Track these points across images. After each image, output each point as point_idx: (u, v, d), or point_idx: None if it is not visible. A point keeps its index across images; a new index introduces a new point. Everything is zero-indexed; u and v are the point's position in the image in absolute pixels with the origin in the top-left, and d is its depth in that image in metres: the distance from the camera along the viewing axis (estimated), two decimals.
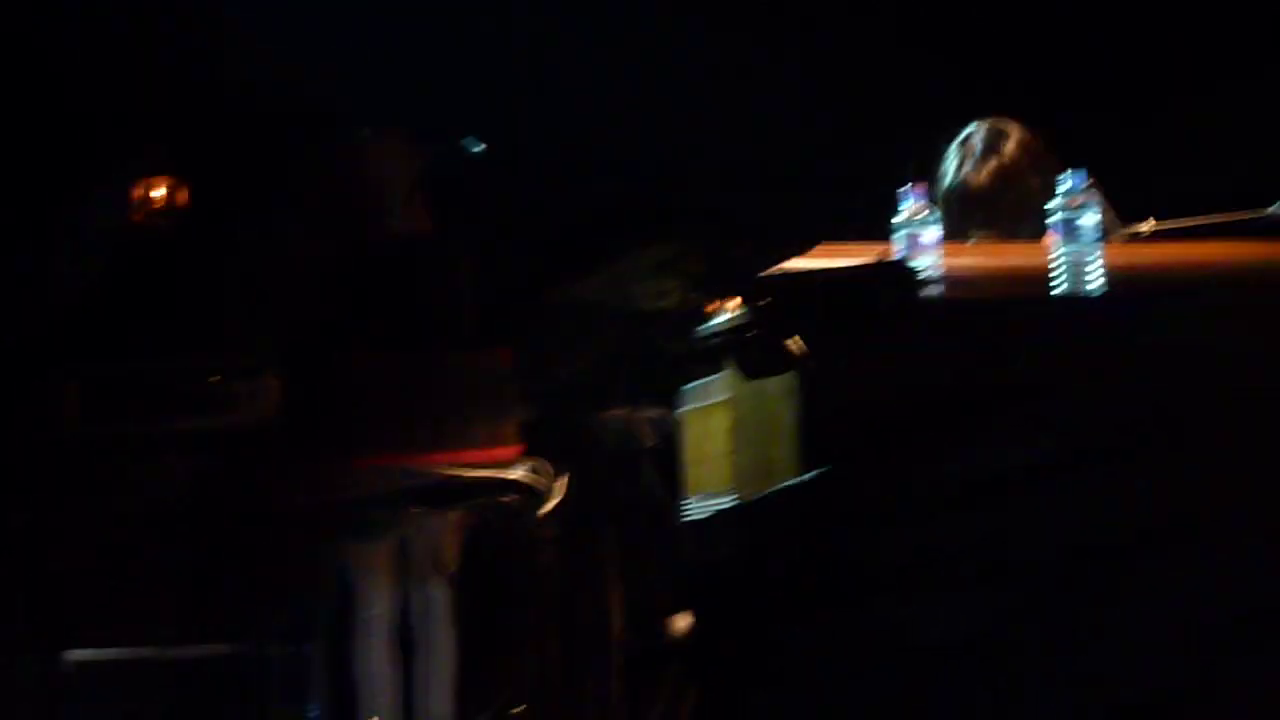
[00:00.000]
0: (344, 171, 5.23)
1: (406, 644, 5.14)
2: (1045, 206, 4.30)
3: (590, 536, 4.47)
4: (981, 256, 4.09)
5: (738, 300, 3.82)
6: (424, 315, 5.08)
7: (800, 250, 3.74)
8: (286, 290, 5.22)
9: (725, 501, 3.86)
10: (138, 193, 5.27)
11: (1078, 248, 3.58)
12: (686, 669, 4.23)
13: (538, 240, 4.76)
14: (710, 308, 3.96)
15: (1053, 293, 3.60)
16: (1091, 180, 3.66)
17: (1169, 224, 4.19)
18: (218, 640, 5.07)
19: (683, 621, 4.32)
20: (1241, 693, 3.45)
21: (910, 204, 3.68)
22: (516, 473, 4.63)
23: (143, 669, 4.98)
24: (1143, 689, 3.43)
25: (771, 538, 3.66)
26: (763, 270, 3.66)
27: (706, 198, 3.87)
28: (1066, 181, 3.64)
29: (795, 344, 3.51)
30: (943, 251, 3.67)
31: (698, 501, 4.06)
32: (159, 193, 5.28)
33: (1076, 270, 3.58)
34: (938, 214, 3.70)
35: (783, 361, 3.58)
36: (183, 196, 5.29)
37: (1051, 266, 3.60)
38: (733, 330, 3.79)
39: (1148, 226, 4.19)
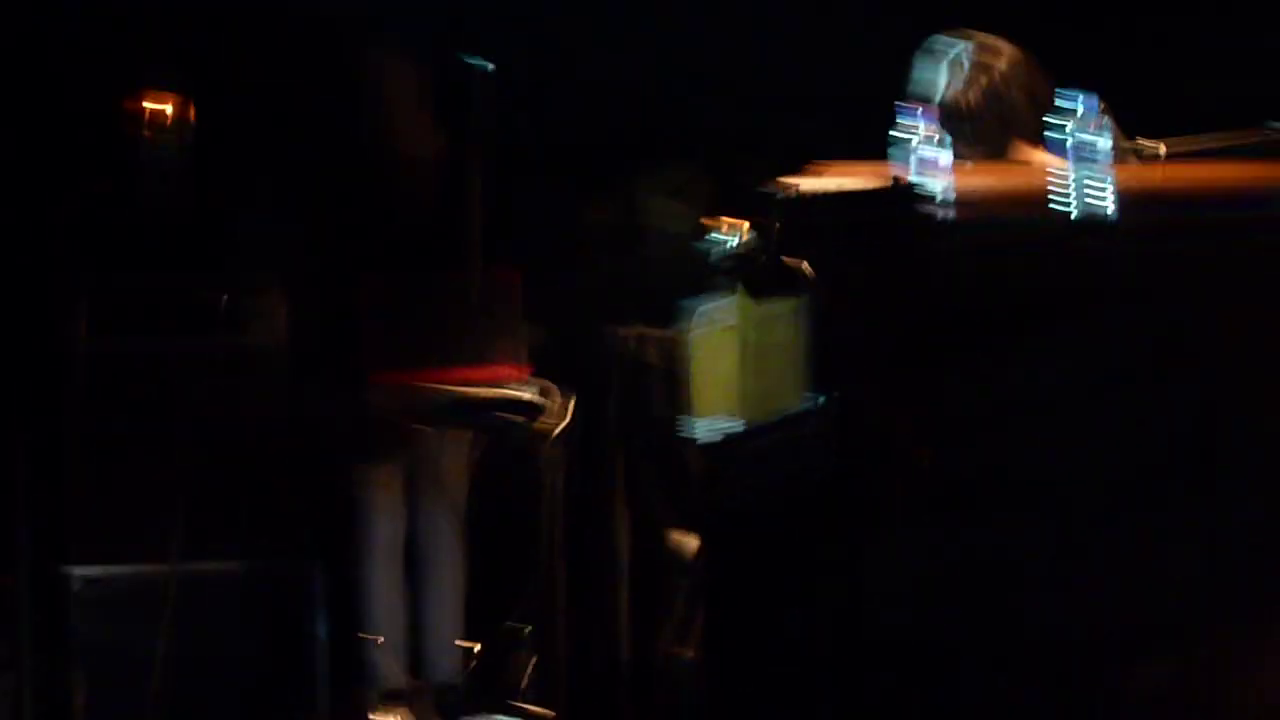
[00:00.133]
0: (353, 88, 5.21)
1: (414, 564, 5.16)
2: (1032, 123, 4.30)
3: (598, 457, 4.48)
4: (994, 178, 4.05)
5: (747, 222, 3.80)
6: (432, 234, 5.07)
7: (810, 171, 3.71)
8: (295, 208, 5.21)
9: (733, 425, 3.86)
10: (146, 110, 5.25)
11: (1091, 170, 3.56)
12: (694, 590, 4.24)
13: (547, 161, 4.74)
14: (719, 230, 3.94)
15: (1066, 215, 3.58)
16: (1103, 103, 3.63)
17: (1183, 144, 4.16)
18: (226, 558, 5.09)
19: (690, 543, 4.33)
20: (1257, 615, 3.45)
21: (922, 126, 3.65)
22: (525, 393, 4.63)
23: (151, 586, 5.01)
24: (1159, 613, 3.43)
25: (780, 462, 3.66)
26: (771, 192, 3.63)
27: (716, 119, 3.85)
28: (1079, 104, 3.60)
29: (804, 266, 3.49)
30: (954, 173, 3.65)
31: (705, 424, 4.05)
32: (169, 112, 5.26)
33: (1091, 193, 3.55)
34: (949, 136, 3.67)
35: (791, 284, 3.56)
36: (192, 116, 5.28)
37: (1065, 189, 3.58)
38: (741, 252, 3.77)
39: (1162, 149, 4.16)
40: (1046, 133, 3.66)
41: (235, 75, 5.38)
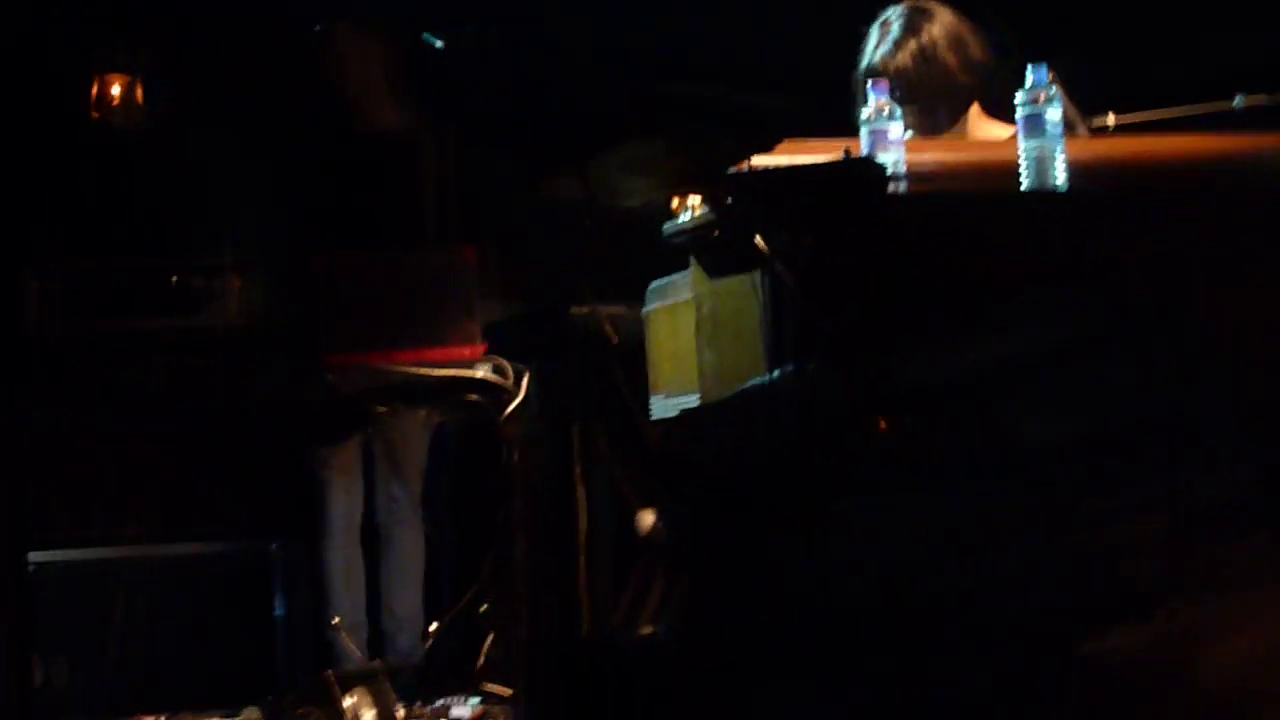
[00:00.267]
0: (317, 69, 5.20)
1: (372, 545, 5.17)
2: (968, 86, 4.31)
3: (555, 434, 4.48)
4: (947, 152, 4.08)
5: (703, 198, 3.81)
6: (390, 212, 5.06)
7: (765, 147, 3.72)
8: (252, 188, 5.19)
9: (691, 399, 3.87)
10: (102, 91, 5.23)
11: (1042, 142, 3.57)
12: (653, 565, 4.24)
13: (506, 138, 4.73)
14: (676, 206, 3.95)
15: (1019, 187, 3.60)
16: (1053, 74, 3.65)
17: (1131, 118, 4.19)
18: (186, 540, 5.09)
19: (648, 519, 4.34)
20: (1231, 581, 3.48)
21: (873, 100, 3.67)
22: (480, 371, 4.63)
23: (112, 569, 5.00)
24: (1129, 581, 3.45)
25: (739, 436, 3.67)
26: (728, 168, 3.64)
27: (674, 95, 3.84)
28: (1029, 76, 3.62)
29: (760, 242, 3.50)
30: (907, 147, 3.66)
31: (664, 399, 4.06)
32: (132, 93, 5.24)
33: (1042, 165, 3.57)
34: (900, 110, 3.68)
35: (747, 260, 3.57)
36: (155, 97, 5.26)
37: (1017, 161, 3.59)
38: (698, 228, 3.78)
39: (1111, 120, 4.19)
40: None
41: (196, 56, 5.36)
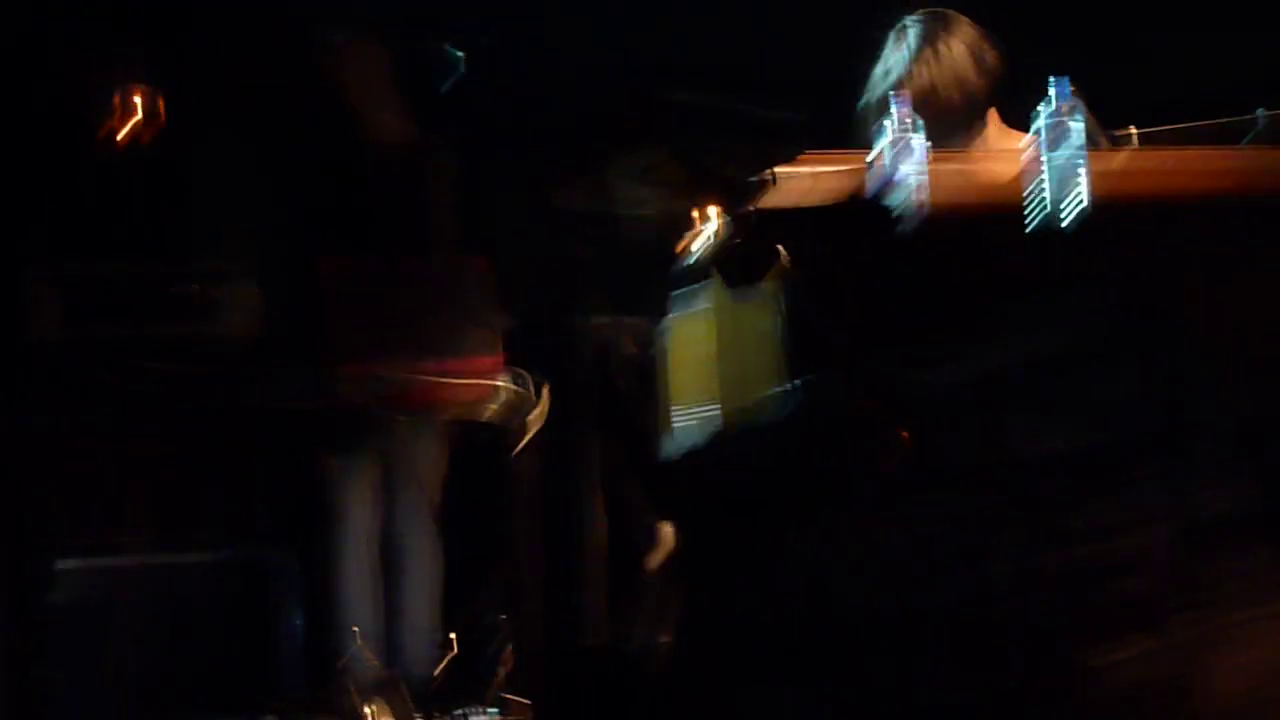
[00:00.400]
0: (321, 76, 5.19)
1: (388, 555, 5.15)
2: (988, 96, 4.31)
3: (573, 446, 4.47)
4: (967, 164, 4.07)
5: (720, 209, 3.80)
6: (403, 222, 5.06)
7: (784, 158, 3.72)
8: (265, 196, 5.19)
9: (710, 411, 3.86)
10: (112, 100, 5.23)
11: (1065, 156, 3.57)
12: (670, 577, 4.24)
13: (518, 147, 4.73)
14: (693, 215, 3.94)
15: (1039, 199, 3.59)
16: (1074, 88, 3.64)
17: (1153, 130, 4.19)
18: (200, 550, 5.08)
19: (666, 531, 4.33)
20: (1232, 595, 3.47)
21: (895, 112, 3.66)
22: (498, 382, 4.63)
23: (111, 577, 4.99)
24: (1131, 595, 3.45)
25: (757, 448, 3.66)
26: (749, 179, 3.64)
27: (688, 104, 3.84)
28: (1052, 90, 3.62)
29: (779, 252, 3.49)
30: (928, 159, 3.65)
31: (681, 411, 4.05)
32: (134, 100, 5.23)
33: (1065, 179, 3.56)
34: (922, 123, 3.67)
35: (766, 270, 3.57)
36: (157, 104, 5.25)
37: (1038, 174, 3.59)
38: (716, 239, 3.77)
39: (1133, 133, 4.18)
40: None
41: (200, 63, 5.35)
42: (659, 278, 4.18)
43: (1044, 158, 3.59)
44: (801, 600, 3.49)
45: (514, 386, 4.61)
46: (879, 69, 4.37)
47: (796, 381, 3.49)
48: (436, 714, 4.66)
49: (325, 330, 4.79)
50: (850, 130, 4.16)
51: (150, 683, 4.97)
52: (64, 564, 5.03)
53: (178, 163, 5.33)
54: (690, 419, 3.97)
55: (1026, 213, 3.63)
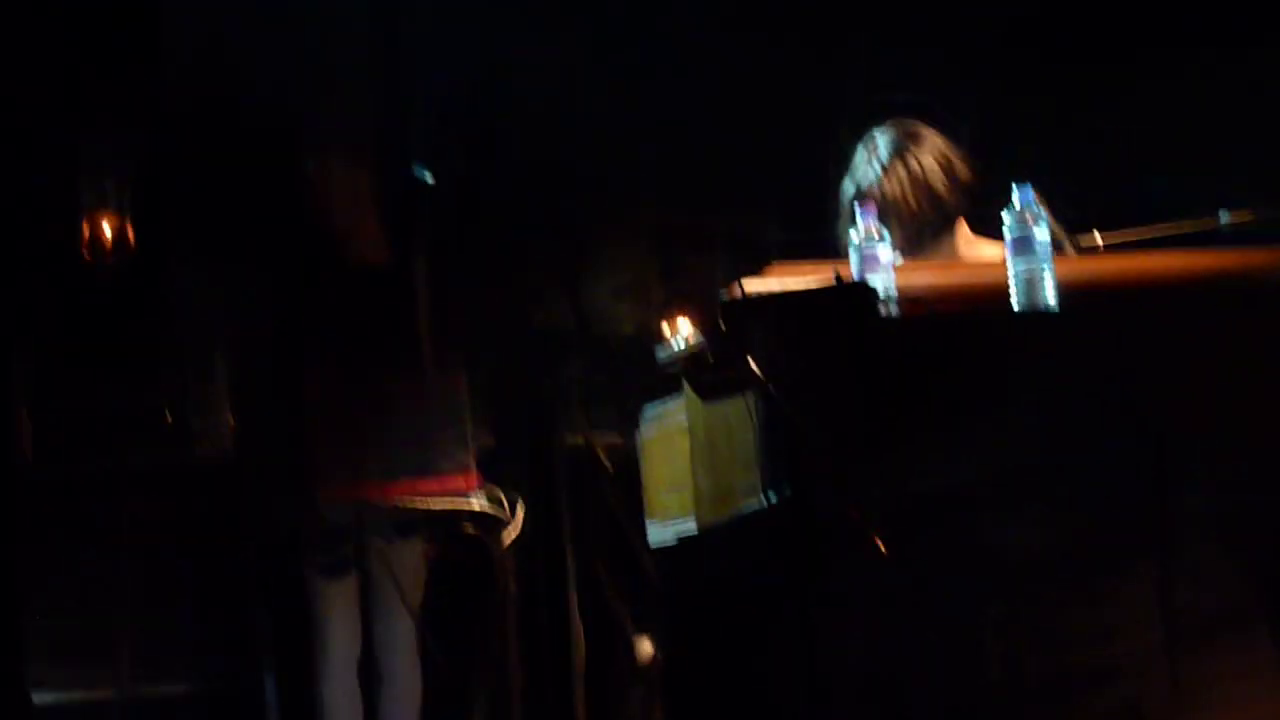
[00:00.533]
0: (297, 197, 5.22)
1: (368, 678, 5.12)
2: (958, 208, 4.34)
3: (551, 563, 4.47)
4: (936, 274, 4.10)
5: (694, 323, 3.82)
6: (381, 342, 5.06)
7: (753, 271, 3.74)
8: (240, 321, 5.20)
9: (688, 525, 3.86)
10: (87, 228, 5.25)
11: (1031, 263, 3.60)
12: (652, 692, 4.22)
13: (494, 265, 4.76)
14: (667, 331, 3.96)
15: (1009, 308, 3.62)
16: (1039, 195, 3.68)
17: (1118, 236, 4.22)
18: (182, 682, 5.04)
19: (646, 645, 4.33)
20: (1231, 697, 3.47)
21: (862, 222, 3.69)
22: (475, 502, 4.63)
23: (97, 712, 4.95)
24: (1124, 696, 3.45)
25: (736, 560, 3.66)
26: (719, 292, 3.65)
27: (661, 220, 3.88)
28: (1015, 197, 3.65)
29: (752, 365, 3.51)
30: (897, 270, 3.68)
31: (659, 526, 4.05)
32: (108, 229, 5.25)
33: (1031, 285, 3.59)
34: (888, 234, 3.71)
35: (739, 383, 3.58)
36: (131, 232, 5.27)
37: (1007, 282, 3.62)
38: (690, 353, 3.79)
39: (1098, 239, 4.22)
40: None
41: (182, 182, 5.38)
42: (633, 392, 4.19)
43: (1010, 264, 3.62)
44: (785, 710, 3.47)
45: (489, 505, 4.60)
46: (848, 181, 4.41)
47: (774, 492, 3.50)
48: None
49: (303, 456, 4.78)
50: (818, 241, 4.19)
51: None
52: (46, 698, 4.99)
53: (163, 291, 5.34)
54: (668, 532, 3.97)
55: (997, 318, 3.66)
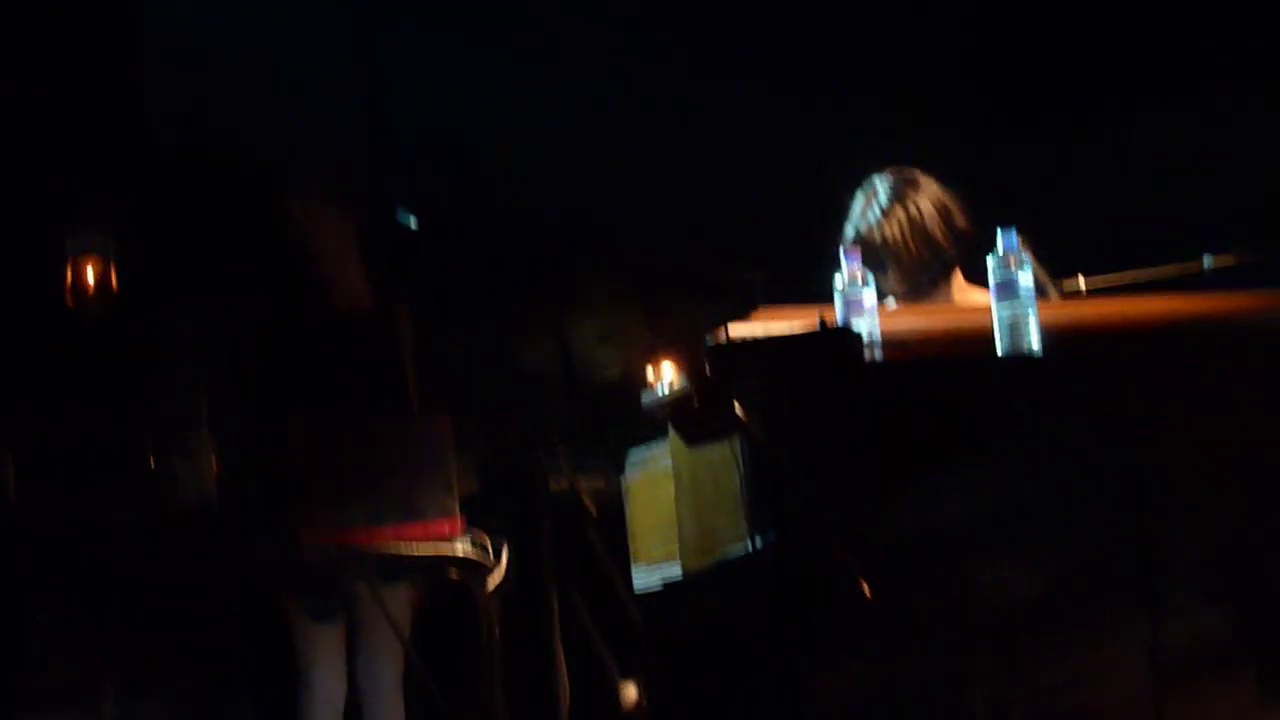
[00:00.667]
0: (280, 242, 5.21)
1: None
2: (956, 256, 4.36)
3: (536, 608, 4.45)
4: (920, 318, 4.11)
5: (679, 368, 3.82)
6: (366, 385, 5.06)
7: (741, 316, 3.75)
8: (225, 362, 5.19)
9: (673, 570, 3.86)
10: (70, 273, 5.24)
11: (1015, 307, 3.60)
12: None
13: (479, 309, 4.76)
14: (651, 376, 3.96)
15: (993, 352, 3.62)
16: (1023, 239, 3.69)
17: (1102, 280, 4.23)
18: None
19: (631, 691, 4.31)
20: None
21: (845, 267, 3.70)
22: (459, 548, 4.61)
23: None
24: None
25: (721, 604, 3.66)
26: (705, 337, 3.66)
27: (645, 264, 3.87)
28: (1000, 242, 3.66)
29: (737, 410, 3.51)
30: (881, 314, 3.69)
31: (644, 570, 4.05)
32: (91, 273, 5.25)
33: (1015, 329, 3.60)
34: (873, 278, 3.72)
35: (726, 428, 3.58)
36: (114, 276, 5.27)
37: (990, 327, 3.62)
38: (674, 398, 3.79)
39: (1081, 284, 4.23)
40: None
41: (167, 227, 5.38)
42: (618, 437, 4.19)
43: (994, 308, 3.63)
44: None
45: (473, 550, 4.59)
46: (848, 226, 4.43)
47: (759, 537, 3.49)
48: None
49: (286, 501, 4.77)
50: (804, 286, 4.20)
51: None
52: None
53: (146, 333, 5.33)
54: (653, 576, 3.97)
55: (982, 362, 3.66)
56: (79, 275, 5.24)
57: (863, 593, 3.34)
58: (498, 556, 4.58)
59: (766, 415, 3.48)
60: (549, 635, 4.36)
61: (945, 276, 4.38)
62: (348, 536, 4.61)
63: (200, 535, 4.85)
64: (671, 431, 3.86)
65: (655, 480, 3.99)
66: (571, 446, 4.28)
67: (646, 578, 4.02)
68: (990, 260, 3.65)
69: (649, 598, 3.98)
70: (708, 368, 3.62)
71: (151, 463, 4.96)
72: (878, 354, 3.62)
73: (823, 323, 3.57)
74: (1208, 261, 4.13)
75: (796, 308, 3.78)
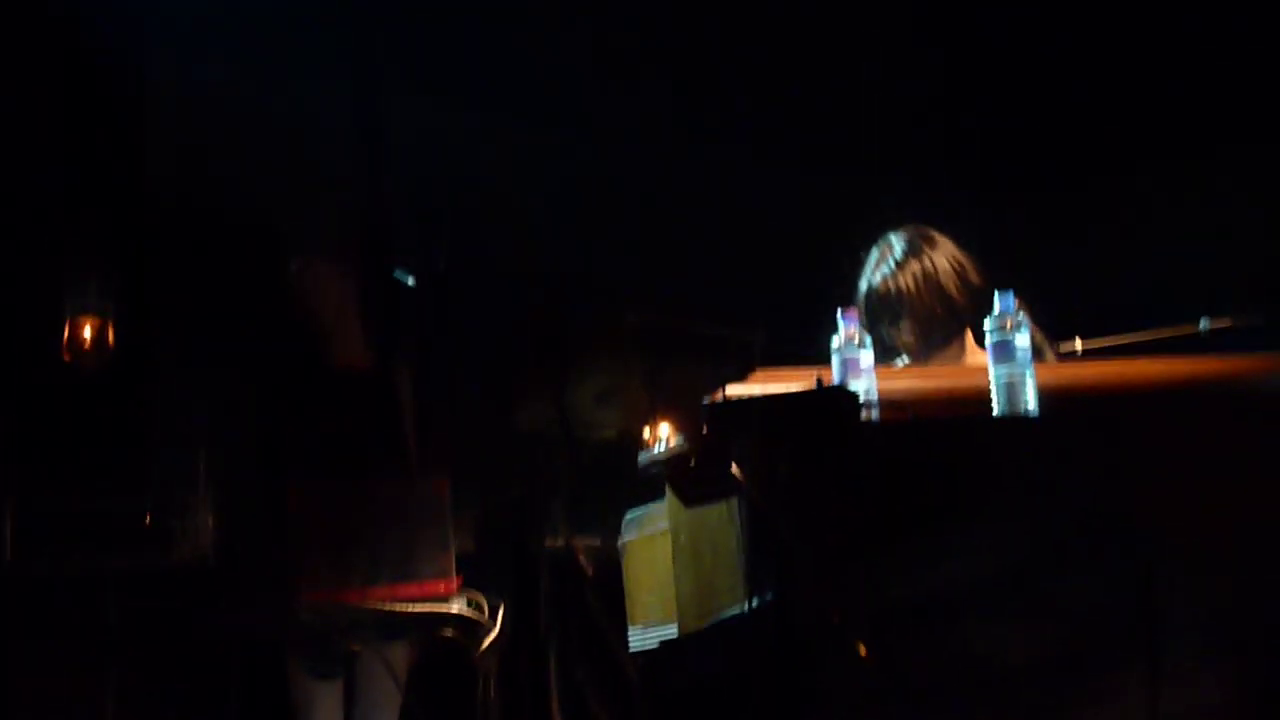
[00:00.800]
0: (280, 301, 5.22)
1: None
2: (961, 312, 4.37)
3: (532, 667, 4.45)
4: (918, 379, 4.12)
5: (676, 428, 3.82)
6: (364, 445, 5.06)
7: (737, 377, 3.75)
8: (221, 424, 5.19)
9: (670, 631, 3.85)
10: (68, 332, 5.25)
11: (1012, 369, 3.61)
12: None
13: (478, 370, 4.77)
14: (649, 436, 3.96)
15: (990, 413, 3.63)
16: (1020, 301, 3.70)
17: (1098, 342, 4.24)
18: None
19: None
20: None
21: (844, 329, 3.71)
22: (455, 607, 4.61)
23: None
24: None
25: (718, 665, 3.65)
26: (702, 398, 3.66)
27: (645, 325, 3.89)
28: (996, 304, 3.67)
29: (734, 471, 3.50)
30: (879, 375, 3.70)
31: (641, 630, 4.04)
32: (90, 330, 5.25)
33: (1012, 390, 3.60)
34: (869, 339, 3.72)
35: (724, 488, 3.58)
36: (112, 334, 5.27)
37: (988, 388, 3.63)
38: (672, 458, 3.79)
39: (1078, 346, 4.24)
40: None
41: (166, 285, 5.39)
42: (616, 497, 4.19)
43: (991, 369, 3.64)
44: None
45: (469, 609, 4.59)
46: (862, 281, 4.45)
47: (756, 597, 3.49)
48: None
49: (283, 560, 4.76)
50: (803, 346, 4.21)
51: None
52: None
53: (137, 390, 5.34)
54: (650, 636, 3.96)
55: (979, 423, 3.67)
56: (77, 334, 5.25)
57: (860, 654, 3.33)
58: (494, 616, 4.58)
59: (764, 474, 3.48)
60: (545, 695, 4.35)
61: (958, 334, 4.39)
62: (344, 595, 4.61)
63: (196, 593, 4.85)
64: (669, 492, 3.86)
65: (653, 540, 3.99)
66: (569, 506, 4.28)
67: (643, 637, 4.01)
68: (987, 322, 3.66)
69: (645, 656, 3.97)
70: (705, 428, 3.62)
71: (148, 520, 4.96)
72: (875, 414, 3.63)
73: (819, 382, 3.58)
74: (1204, 324, 4.14)
75: (795, 369, 3.79)
